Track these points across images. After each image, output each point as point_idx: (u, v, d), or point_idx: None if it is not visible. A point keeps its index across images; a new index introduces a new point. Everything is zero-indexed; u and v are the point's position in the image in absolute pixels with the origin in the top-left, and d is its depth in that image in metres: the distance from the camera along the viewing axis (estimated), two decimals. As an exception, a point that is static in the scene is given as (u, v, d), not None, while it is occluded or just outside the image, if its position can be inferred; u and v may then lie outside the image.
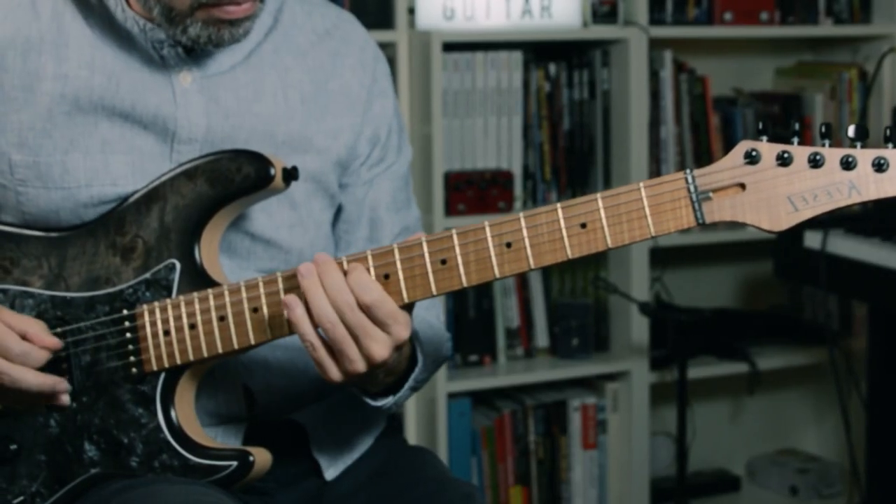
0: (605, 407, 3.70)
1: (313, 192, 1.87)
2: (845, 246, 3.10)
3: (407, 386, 1.78)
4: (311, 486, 1.88)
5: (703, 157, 3.82)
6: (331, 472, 1.88)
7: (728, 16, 3.73)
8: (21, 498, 1.74)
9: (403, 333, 1.62)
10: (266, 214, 1.83)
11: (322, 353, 1.62)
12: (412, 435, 3.49)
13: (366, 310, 1.59)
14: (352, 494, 1.86)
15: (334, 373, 1.63)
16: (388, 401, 1.78)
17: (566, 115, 3.64)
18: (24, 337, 1.70)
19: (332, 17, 1.95)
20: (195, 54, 1.80)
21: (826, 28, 3.90)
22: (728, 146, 3.87)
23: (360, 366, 1.61)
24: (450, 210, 3.41)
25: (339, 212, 1.94)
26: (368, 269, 1.63)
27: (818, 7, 3.87)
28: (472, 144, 3.53)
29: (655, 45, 3.66)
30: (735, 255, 4.07)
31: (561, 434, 3.67)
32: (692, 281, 4.06)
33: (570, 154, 3.66)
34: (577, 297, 3.70)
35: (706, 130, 3.83)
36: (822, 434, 4.22)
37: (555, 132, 3.64)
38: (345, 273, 1.61)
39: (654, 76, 3.71)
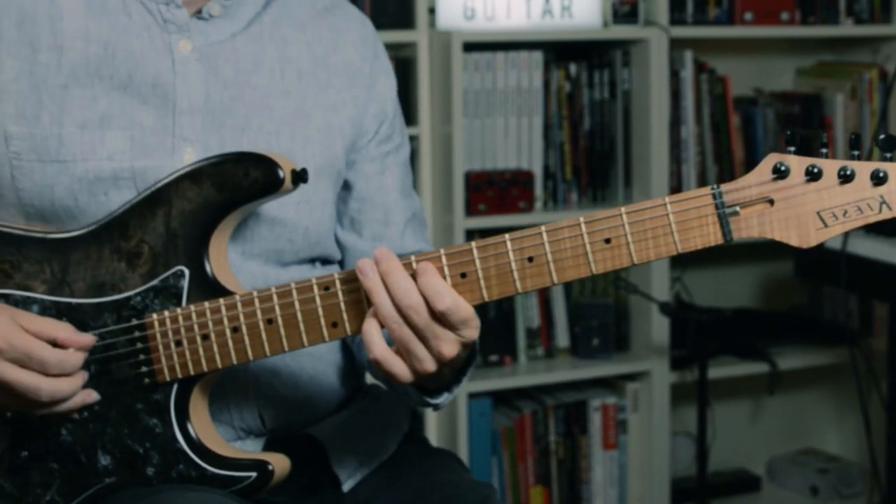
0: (625, 407, 3.70)
1: (319, 169, 1.83)
2: (866, 246, 3.10)
3: (464, 379, 1.72)
4: (329, 497, 1.85)
5: (724, 157, 3.82)
6: (349, 483, 1.85)
7: (748, 16, 3.73)
8: None
9: (474, 335, 1.58)
10: None
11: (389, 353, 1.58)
12: (432, 435, 3.49)
13: (439, 316, 1.55)
14: (370, 498, 1.84)
15: (404, 372, 1.58)
16: (443, 399, 1.73)
17: (586, 115, 3.65)
18: (54, 343, 1.65)
19: None
20: (198, 17, 1.79)
21: (846, 28, 3.90)
22: (749, 146, 3.87)
23: (429, 365, 1.57)
24: (470, 210, 3.40)
25: (346, 188, 1.90)
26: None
27: (838, 7, 3.86)
28: (493, 144, 3.53)
29: (676, 45, 3.65)
30: (755, 254, 4.07)
31: (581, 434, 3.67)
32: (712, 281, 4.06)
33: (591, 154, 3.66)
34: (598, 297, 3.70)
35: (727, 130, 3.83)
36: (843, 434, 4.22)
37: (575, 132, 3.64)
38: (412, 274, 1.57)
39: (675, 76, 3.71)
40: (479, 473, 3.49)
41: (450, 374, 1.67)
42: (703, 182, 3.78)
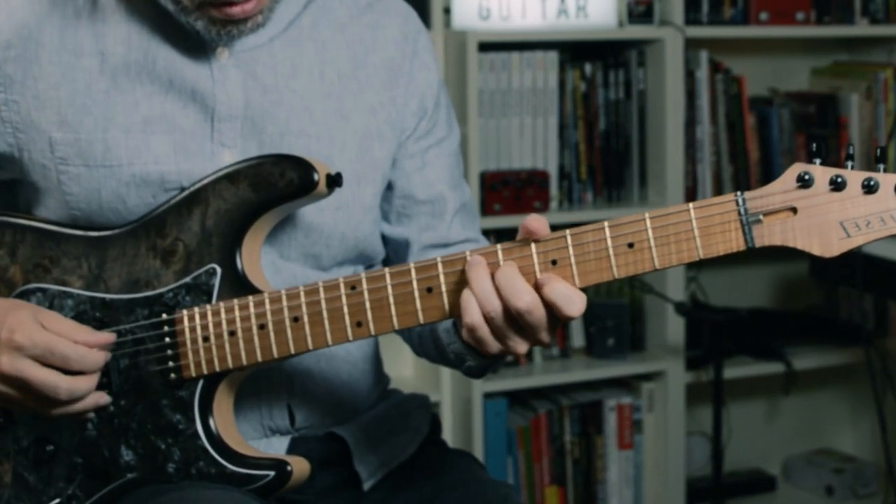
0: (640, 407, 3.70)
1: (358, 173, 1.83)
2: (881, 246, 3.10)
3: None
4: (349, 496, 1.86)
5: (739, 157, 3.82)
6: (369, 483, 1.86)
7: (764, 16, 3.73)
8: (58, 500, 1.72)
9: (547, 338, 1.60)
10: None
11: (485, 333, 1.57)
12: (448, 435, 3.49)
13: (550, 305, 1.54)
14: (389, 497, 1.85)
15: (494, 347, 1.58)
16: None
17: (602, 115, 3.65)
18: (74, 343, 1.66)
19: None
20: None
21: (862, 28, 3.89)
22: (764, 146, 3.87)
23: (524, 348, 1.58)
24: (485, 210, 3.41)
25: (389, 187, 1.89)
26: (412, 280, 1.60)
27: (854, 7, 3.86)
28: (508, 144, 3.53)
29: (691, 45, 3.65)
30: (771, 255, 4.06)
31: (596, 434, 3.68)
32: (728, 281, 4.06)
33: (606, 154, 3.66)
34: (613, 297, 3.70)
35: (742, 130, 3.83)
36: (858, 434, 4.21)
37: (590, 132, 3.64)
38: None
39: (690, 76, 3.71)
40: (495, 473, 3.49)
41: None
42: (718, 182, 3.78)
